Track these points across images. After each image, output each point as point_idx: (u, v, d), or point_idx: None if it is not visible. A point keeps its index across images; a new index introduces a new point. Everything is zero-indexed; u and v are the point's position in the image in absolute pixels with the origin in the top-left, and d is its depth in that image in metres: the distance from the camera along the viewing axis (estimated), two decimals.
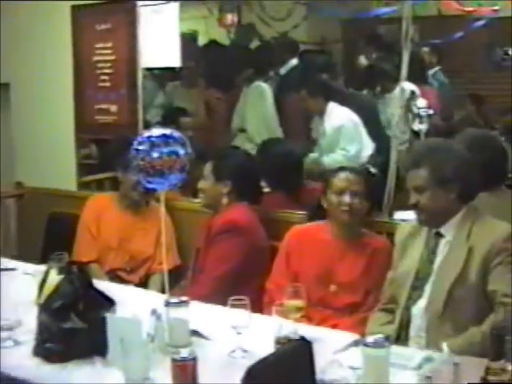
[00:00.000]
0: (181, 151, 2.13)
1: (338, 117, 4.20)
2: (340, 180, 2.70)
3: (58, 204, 3.91)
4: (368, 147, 4.25)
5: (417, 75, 4.41)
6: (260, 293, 2.73)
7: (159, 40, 3.66)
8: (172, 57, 3.56)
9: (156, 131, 2.14)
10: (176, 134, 2.14)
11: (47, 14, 3.93)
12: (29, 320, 2.16)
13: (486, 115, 5.38)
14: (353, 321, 2.58)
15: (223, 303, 2.43)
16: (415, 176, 2.28)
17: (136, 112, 3.71)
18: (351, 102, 4.29)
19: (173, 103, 4.97)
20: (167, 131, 2.12)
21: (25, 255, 3.46)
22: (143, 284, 3.21)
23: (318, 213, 2.79)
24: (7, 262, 3.04)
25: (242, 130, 4.77)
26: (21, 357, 2.08)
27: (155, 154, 2.09)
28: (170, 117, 4.54)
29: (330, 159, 4.07)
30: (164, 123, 4.41)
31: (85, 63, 3.86)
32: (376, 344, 1.80)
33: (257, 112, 4.72)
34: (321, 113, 4.25)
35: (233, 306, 2.06)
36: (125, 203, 3.34)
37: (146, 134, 2.13)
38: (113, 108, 3.77)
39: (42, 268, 2.57)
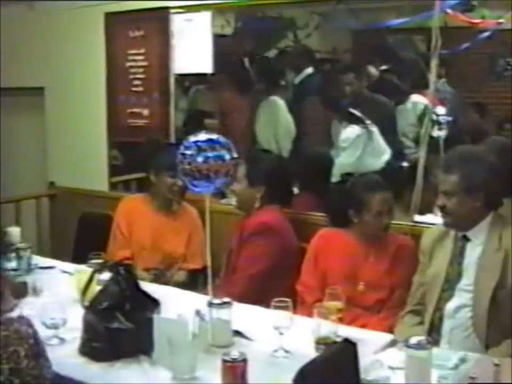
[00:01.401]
0: (227, 156, 2.10)
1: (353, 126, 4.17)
2: (379, 202, 2.64)
3: (90, 204, 3.88)
4: (385, 153, 4.21)
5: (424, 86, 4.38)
6: (289, 293, 2.65)
7: (192, 47, 3.62)
8: (204, 64, 3.52)
9: (202, 136, 2.11)
10: (222, 139, 2.10)
11: (82, 20, 3.90)
12: (73, 319, 2.11)
13: (488, 123, 5.34)
14: (380, 319, 2.57)
15: (255, 301, 2.47)
16: (445, 181, 2.27)
17: (167, 116, 3.67)
18: (371, 106, 4.26)
19: (197, 106, 4.93)
20: (213, 136, 2.08)
21: (57, 254, 3.42)
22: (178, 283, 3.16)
23: (341, 221, 2.74)
24: (43, 261, 3.00)
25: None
26: (67, 356, 2.03)
27: (201, 159, 2.06)
28: (195, 119, 4.49)
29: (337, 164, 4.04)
30: (188, 125, 4.39)
31: (118, 69, 3.82)
32: (419, 346, 1.79)
33: (268, 130, 4.68)
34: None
35: (276, 307, 2.03)
36: (157, 204, 3.30)
37: (193, 139, 2.10)
38: (145, 112, 3.74)
39: (79, 266, 2.55)
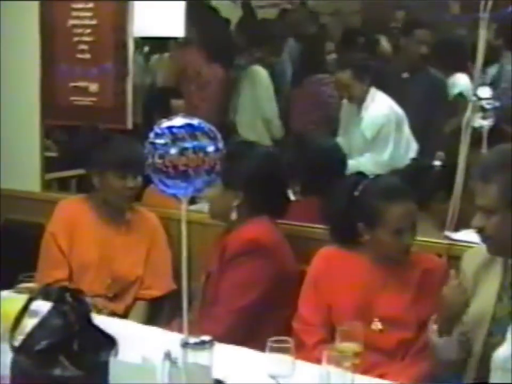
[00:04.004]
0: (210, 147, 2.09)
1: (379, 110, 4.23)
2: (399, 216, 2.63)
3: (14, 209, 3.87)
4: (411, 149, 4.27)
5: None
6: (289, 330, 2.70)
7: (158, 2, 3.63)
8: (174, 25, 3.52)
9: (179, 120, 2.10)
10: (205, 124, 2.10)
11: None
12: None
13: None
14: (404, 366, 2.58)
15: (244, 341, 2.48)
16: (482, 193, 2.26)
17: (123, 93, 3.66)
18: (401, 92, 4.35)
19: (159, 81, 4.95)
20: (194, 120, 2.08)
21: None
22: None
23: (348, 238, 2.76)
24: None
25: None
26: None
27: (177, 151, 2.06)
28: (158, 99, 4.50)
29: (356, 163, 4.07)
30: (149, 107, 4.41)
31: (57, 28, 3.81)
32: None
33: (251, 104, 4.76)
34: (361, 101, 4.31)
35: (272, 349, 2.03)
36: (104, 209, 3.31)
37: (166, 123, 2.09)
38: (94, 87, 3.73)
39: (3, 293, 2.51)
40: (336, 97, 4.62)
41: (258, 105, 4.86)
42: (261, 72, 4.89)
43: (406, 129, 4.27)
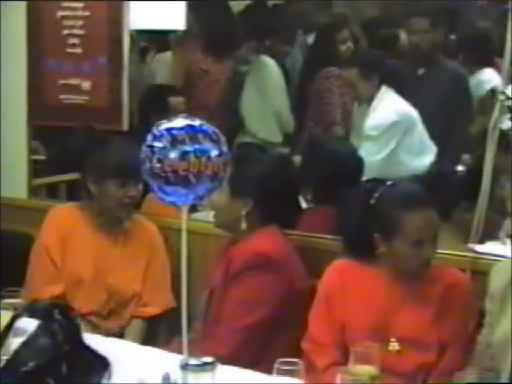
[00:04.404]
0: (214, 151, 2.10)
1: (385, 112, 4.26)
2: (419, 225, 2.63)
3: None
4: (426, 153, 4.27)
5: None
6: (298, 351, 2.71)
7: None
8: (173, 17, 3.53)
9: (179, 121, 2.12)
10: (208, 126, 2.12)
11: None
12: None
13: None
14: None
15: (250, 363, 2.49)
16: None
17: (118, 92, 3.67)
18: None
19: (157, 79, 4.98)
20: (195, 122, 2.10)
21: None
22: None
23: (363, 250, 2.76)
24: None
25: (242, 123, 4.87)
26: None
27: (178, 155, 2.07)
28: (155, 97, 4.51)
29: None
30: (145, 106, 4.42)
31: (46, 21, 3.82)
32: None
33: (261, 97, 4.79)
34: (370, 101, 4.33)
35: (281, 372, 2.04)
36: (100, 218, 3.31)
37: (166, 125, 2.11)
38: (86, 85, 3.74)
39: None
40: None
41: (268, 98, 4.88)
42: (270, 64, 4.90)
43: (419, 132, 4.27)
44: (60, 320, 2.05)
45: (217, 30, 4.74)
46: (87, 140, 3.33)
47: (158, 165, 2.08)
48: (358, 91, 4.40)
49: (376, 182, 2.84)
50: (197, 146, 2.09)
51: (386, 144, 4.21)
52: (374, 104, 4.30)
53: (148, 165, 2.10)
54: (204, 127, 2.12)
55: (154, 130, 2.11)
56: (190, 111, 3.95)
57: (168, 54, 5.09)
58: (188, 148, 2.09)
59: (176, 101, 4.48)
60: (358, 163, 3.50)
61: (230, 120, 4.75)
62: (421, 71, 4.67)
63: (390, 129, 4.22)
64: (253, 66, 4.90)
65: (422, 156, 4.30)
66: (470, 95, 4.56)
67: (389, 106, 4.28)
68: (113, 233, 3.32)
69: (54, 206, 3.53)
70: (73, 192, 3.79)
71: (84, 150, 3.27)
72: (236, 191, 2.91)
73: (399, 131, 4.24)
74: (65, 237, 3.30)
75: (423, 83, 4.57)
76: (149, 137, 2.11)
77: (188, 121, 2.12)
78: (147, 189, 2.92)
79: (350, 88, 4.48)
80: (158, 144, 2.09)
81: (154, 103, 4.39)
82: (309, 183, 3.33)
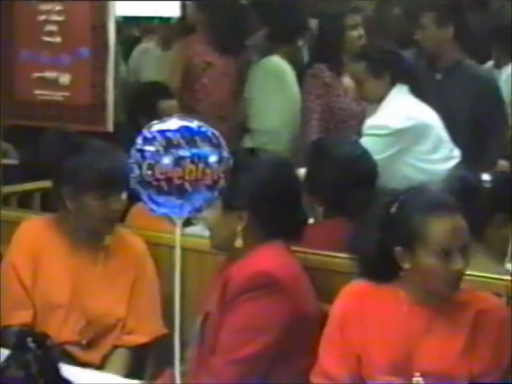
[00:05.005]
0: (213, 156, 2.12)
1: (390, 119, 4.28)
2: (445, 233, 2.64)
3: None
4: (444, 159, 4.29)
5: None
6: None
7: None
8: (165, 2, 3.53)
9: (173, 122, 2.13)
10: (206, 128, 2.12)
11: None
12: None
13: None
14: None
15: None
16: None
17: (102, 87, 3.68)
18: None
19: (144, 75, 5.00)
20: (192, 123, 2.10)
21: None
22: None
23: (382, 269, 2.77)
24: None
25: (247, 129, 4.92)
26: None
27: (172, 160, 2.08)
28: (142, 99, 4.52)
29: None
30: (131, 109, 4.44)
31: (17, 4, 3.84)
32: None
33: (274, 104, 4.83)
34: (379, 101, 4.38)
35: None
36: (77, 233, 3.32)
37: (158, 126, 2.11)
38: (65, 78, 3.75)
39: None
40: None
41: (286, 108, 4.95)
42: (282, 65, 4.94)
43: (434, 138, 4.29)
44: (34, 349, 2.05)
45: (223, 19, 4.76)
46: (60, 145, 3.29)
47: (149, 172, 2.09)
48: (365, 89, 4.42)
49: (397, 190, 2.86)
50: (194, 150, 2.10)
51: (384, 148, 4.21)
52: (382, 106, 4.34)
53: (137, 171, 2.11)
54: (202, 129, 2.13)
55: (146, 132, 2.12)
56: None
57: (154, 46, 5.10)
58: (184, 152, 2.10)
59: (169, 104, 4.50)
60: (371, 166, 3.55)
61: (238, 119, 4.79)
62: (439, 74, 4.75)
63: (398, 134, 4.25)
64: (260, 65, 4.96)
65: (439, 162, 4.31)
66: (501, 100, 4.61)
67: (399, 109, 4.31)
68: (92, 250, 3.32)
69: (26, 217, 3.55)
70: (48, 202, 3.78)
71: (56, 157, 3.25)
72: (228, 203, 2.90)
73: (401, 141, 4.27)
74: (37, 254, 3.30)
75: (443, 86, 4.61)
76: (139, 140, 2.12)
77: (184, 122, 2.13)
78: (133, 198, 2.93)
79: (356, 85, 4.50)
80: (149, 148, 2.10)
81: (142, 106, 4.40)
82: (316, 193, 3.36)
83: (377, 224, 2.76)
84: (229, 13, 4.85)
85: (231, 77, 5.03)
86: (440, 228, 2.63)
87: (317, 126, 4.91)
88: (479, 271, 2.92)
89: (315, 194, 3.35)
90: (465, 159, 4.34)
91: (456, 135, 4.37)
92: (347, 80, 4.75)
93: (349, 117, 4.95)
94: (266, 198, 2.93)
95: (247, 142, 4.84)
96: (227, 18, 4.80)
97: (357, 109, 4.93)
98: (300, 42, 5.21)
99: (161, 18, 4.30)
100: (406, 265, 2.69)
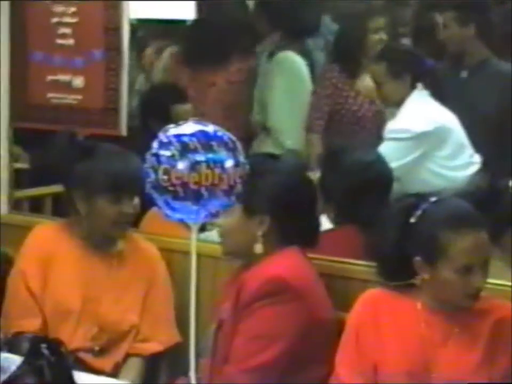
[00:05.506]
0: (229, 161, 2.13)
1: (409, 124, 4.27)
2: (468, 250, 2.62)
3: None
4: (464, 165, 4.30)
5: None
6: None
7: None
8: (182, 4, 3.53)
9: (189, 127, 2.13)
10: (222, 132, 2.11)
11: None
12: None
13: None
14: None
15: None
16: None
17: (116, 90, 3.68)
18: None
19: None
20: (208, 127, 2.09)
21: None
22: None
23: (400, 278, 2.75)
24: None
25: (265, 128, 4.90)
26: None
27: (187, 165, 2.09)
28: (154, 103, 4.52)
29: None
30: (144, 113, 4.44)
31: (32, 6, 3.83)
32: None
33: (289, 101, 4.82)
34: (398, 105, 4.36)
35: None
36: (90, 238, 3.32)
37: (174, 131, 2.11)
38: (78, 81, 3.75)
39: None
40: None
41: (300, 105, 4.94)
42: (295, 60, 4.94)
43: (455, 142, 4.28)
44: (47, 356, 2.05)
45: (236, 18, 4.77)
46: (71, 149, 3.30)
47: (165, 177, 2.10)
48: (384, 91, 4.42)
49: (417, 197, 2.84)
50: (210, 155, 2.11)
51: (405, 153, 4.21)
52: (404, 107, 4.32)
53: (152, 176, 2.11)
54: (218, 133, 2.13)
55: (161, 137, 2.12)
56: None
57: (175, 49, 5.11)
58: (200, 157, 2.11)
59: (183, 109, 4.50)
60: (384, 173, 3.53)
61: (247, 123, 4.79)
62: (464, 74, 4.71)
63: (419, 138, 4.24)
64: (275, 62, 4.95)
65: (459, 169, 4.31)
66: None
67: (420, 112, 4.31)
68: (105, 255, 3.31)
69: (37, 222, 3.55)
70: (59, 207, 3.78)
71: (68, 161, 3.25)
72: (249, 207, 2.90)
73: (432, 142, 4.27)
74: (48, 260, 3.29)
75: (469, 85, 4.58)
76: (155, 144, 2.12)
77: (200, 126, 2.14)
78: (148, 203, 2.92)
79: (376, 87, 4.48)
80: (165, 152, 2.10)
81: (154, 111, 4.43)
82: (332, 199, 3.36)
83: (397, 232, 2.75)
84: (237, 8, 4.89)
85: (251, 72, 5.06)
86: (464, 245, 2.62)
87: (322, 126, 4.90)
88: (496, 278, 2.89)
89: (327, 200, 3.34)
90: (490, 161, 4.34)
91: (482, 135, 4.36)
92: (367, 81, 4.70)
93: (360, 119, 4.91)
94: (288, 202, 2.94)
95: (264, 140, 4.86)
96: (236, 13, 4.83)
97: (369, 111, 4.90)
98: (310, 42, 5.22)
99: (176, 21, 4.30)
100: (425, 276, 2.68)
